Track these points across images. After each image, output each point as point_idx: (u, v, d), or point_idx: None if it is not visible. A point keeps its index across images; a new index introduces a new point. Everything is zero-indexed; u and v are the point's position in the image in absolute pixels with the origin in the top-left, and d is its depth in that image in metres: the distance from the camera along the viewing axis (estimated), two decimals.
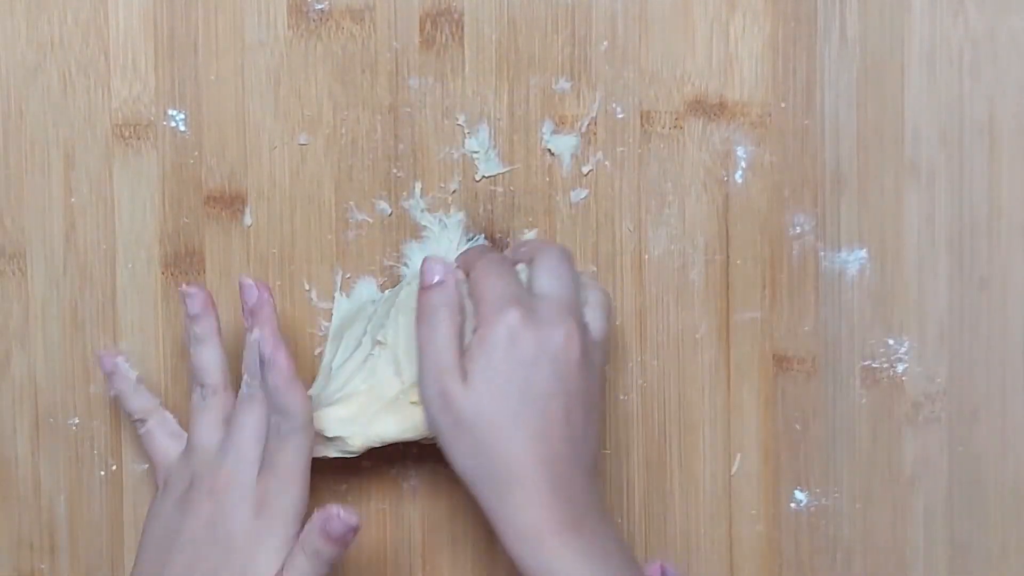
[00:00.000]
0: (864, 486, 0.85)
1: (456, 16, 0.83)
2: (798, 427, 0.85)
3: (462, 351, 0.73)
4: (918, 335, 0.84)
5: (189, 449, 0.77)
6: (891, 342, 0.84)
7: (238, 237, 0.83)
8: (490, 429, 0.72)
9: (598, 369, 0.76)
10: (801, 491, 0.85)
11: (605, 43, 0.84)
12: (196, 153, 0.83)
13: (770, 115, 0.84)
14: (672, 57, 0.84)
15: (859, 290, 0.84)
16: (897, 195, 0.84)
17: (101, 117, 0.83)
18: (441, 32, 0.83)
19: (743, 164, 0.84)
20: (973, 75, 0.84)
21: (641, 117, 0.84)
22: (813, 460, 0.85)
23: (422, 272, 0.75)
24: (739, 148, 0.84)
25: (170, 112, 0.83)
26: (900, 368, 0.84)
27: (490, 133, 0.83)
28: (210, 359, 0.78)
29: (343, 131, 0.83)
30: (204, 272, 0.83)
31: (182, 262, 0.83)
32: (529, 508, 0.72)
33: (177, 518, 0.75)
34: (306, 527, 0.72)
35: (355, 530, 0.71)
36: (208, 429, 0.77)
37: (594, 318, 0.77)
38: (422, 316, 0.75)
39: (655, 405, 0.84)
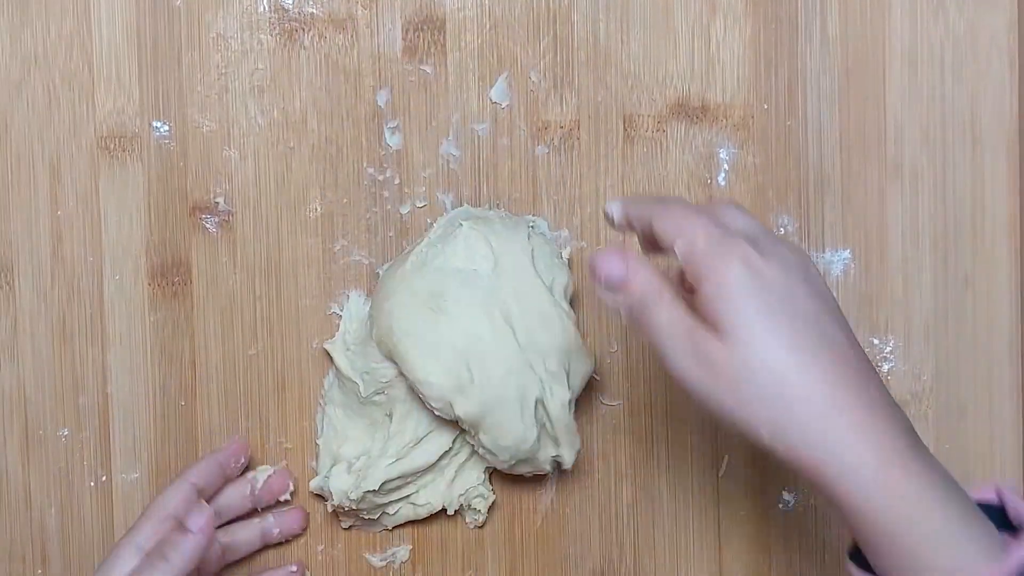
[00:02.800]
0: None
1: (438, 23, 0.84)
2: None
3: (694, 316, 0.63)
4: (903, 334, 0.85)
5: None
6: (876, 341, 0.85)
7: (224, 247, 0.84)
8: (771, 369, 0.61)
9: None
10: (788, 492, 0.85)
11: (587, 48, 0.84)
12: (181, 164, 0.83)
13: (752, 117, 0.84)
14: (654, 60, 0.84)
15: (844, 290, 0.84)
16: (880, 195, 0.84)
17: (86, 129, 0.83)
18: (424, 39, 0.84)
19: (726, 166, 0.84)
20: (955, 74, 0.84)
21: (624, 120, 0.84)
22: None
23: (603, 270, 0.66)
24: (722, 150, 0.84)
25: (155, 123, 0.83)
26: (886, 367, 0.85)
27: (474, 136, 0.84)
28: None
29: (328, 139, 0.84)
30: (191, 282, 0.83)
31: (169, 272, 0.84)
32: (855, 434, 0.61)
33: None
34: None
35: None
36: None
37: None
38: (638, 311, 0.65)
39: (642, 408, 0.85)
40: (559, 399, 0.79)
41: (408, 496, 0.82)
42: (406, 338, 0.78)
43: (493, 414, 0.78)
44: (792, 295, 0.62)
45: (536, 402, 0.78)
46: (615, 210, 0.67)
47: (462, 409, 0.78)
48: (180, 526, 0.76)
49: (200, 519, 0.76)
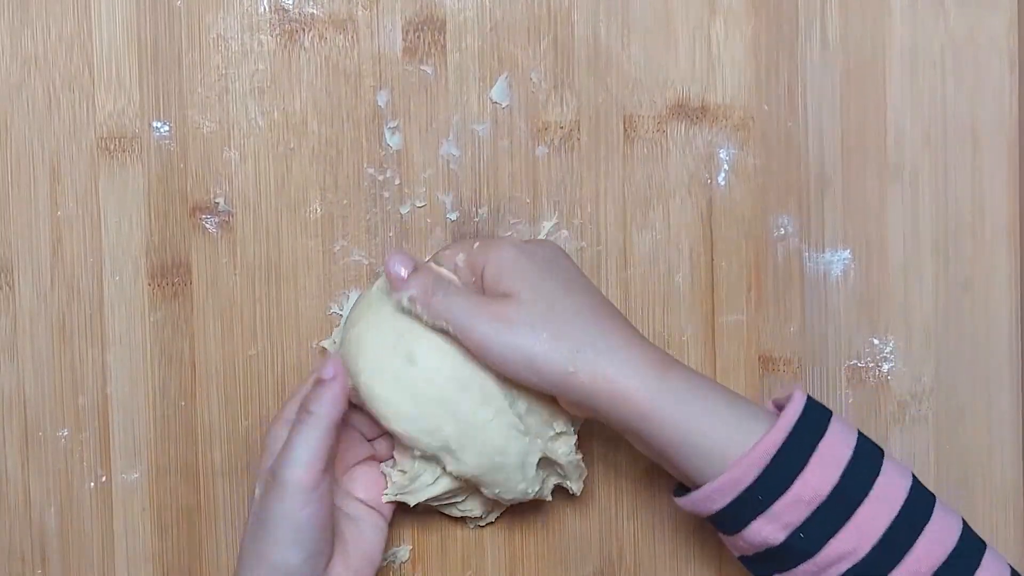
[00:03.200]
0: None
1: (438, 24, 0.84)
2: None
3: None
4: (903, 335, 0.85)
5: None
6: (876, 342, 0.85)
7: (224, 247, 0.84)
8: (552, 315, 0.74)
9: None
10: None
11: (587, 49, 0.84)
12: (181, 165, 0.83)
13: (753, 118, 0.84)
14: (654, 61, 0.84)
15: (844, 291, 0.85)
16: (881, 196, 0.85)
17: (86, 130, 0.83)
18: (424, 40, 0.84)
19: (726, 167, 0.84)
20: (955, 76, 0.84)
21: (624, 122, 0.84)
22: None
23: (392, 269, 0.76)
24: (722, 151, 0.84)
25: (155, 124, 0.83)
26: (886, 368, 0.85)
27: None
28: None
29: (328, 140, 0.84)
30: (191, 283, 0.83)
31: (169, 273, 0.84)
32: (639, 350, 0.74)
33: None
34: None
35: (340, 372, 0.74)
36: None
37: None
38: (423, 297, 0.75)
39: None
40: (565, 449, 0.79)
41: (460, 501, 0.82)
42: (373, 377, 0.76)
43: (491, 475, 0.77)
44: (556, 262, 0.77)
45: (539, 460, 0.78)
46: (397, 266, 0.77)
47: (455, 469, 0.77)
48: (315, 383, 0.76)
49: (330, 368, 0.75)
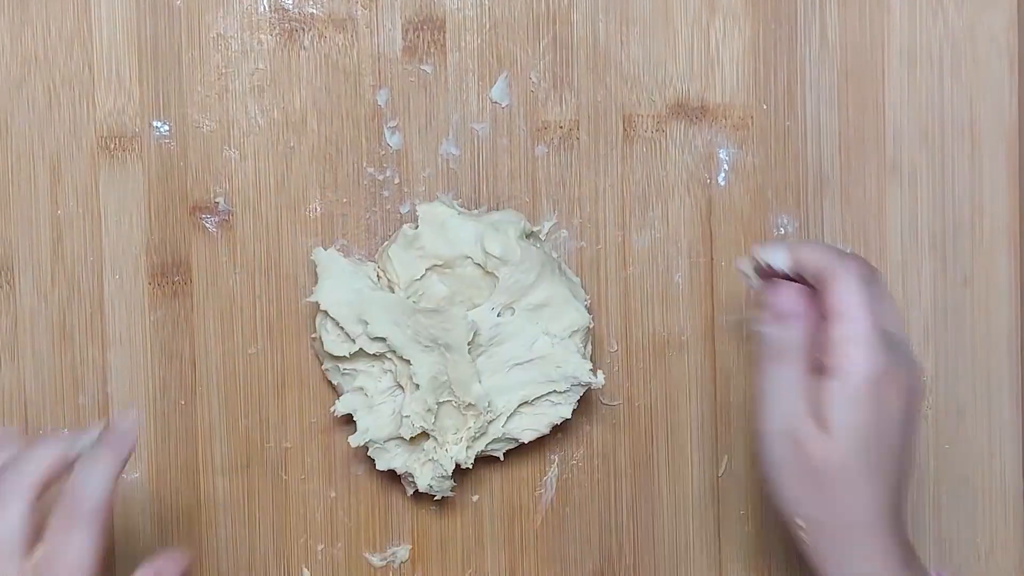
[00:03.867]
0: None
1: (438, 23, 0.84)
2: None
3: (813, 390, 0.69)
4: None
5: None
6: None
7: (224, 246, 0.84)
8: (846, 479, 0.68)
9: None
10: None
11: (586, 48, 0.84)
12: (181, 164, 0.83)
13: (752, 117, 0.84)
14: (653, 61, 0.84)
15: None
16: (880, 195, 0.85)
17: (86, 129, 0.83)
18: (423, 39, 0.84)
19: (726, 166, 0.84)
20: (953, 74, 0.84)
21: (623, 121, 0.84)
22: None
23: (773, 302, 0.71)
24: (721, 150, 0.84)
25: (155, 123, 0.83)
26: None
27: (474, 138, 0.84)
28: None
29: (328, 139, 0.84)
30: (191, 282, 0.84)
31: (169, 272, 0.84)
32: (875, 556, 0.69)
33: None
34: None
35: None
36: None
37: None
38: (771, 353, 0.70)
39: (642, 408, 0.85)
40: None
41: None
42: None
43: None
44: (892, 421, 0.69)
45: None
46: (779, 258, 0.71)
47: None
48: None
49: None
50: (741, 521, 0.85)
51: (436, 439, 0.81)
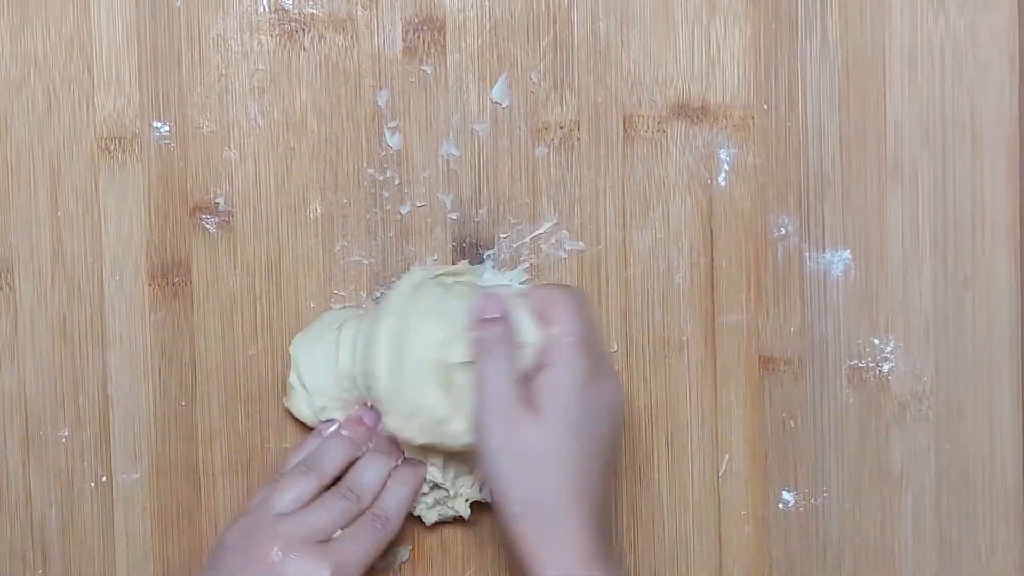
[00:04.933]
0: (852, 486, 0.85)
1: (438, 24, 0.84)
2: (785, 428, 0.85)
3: (523, 383, 0.77)
4: (904, 334, 0.85)
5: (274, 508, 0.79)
6: (877, 342, 0.85)
7: (224, 247, 0.84)
8: (552, 461, 0.75)
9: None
10: (789, 492, 0.85)
11: (587, 48, 0.84)
12: (181, 164, 0.83)
13: (753, 117, 0.84)
14: (654, 61, 0.84)
15: (844, 290, 0.84)
16: (881, 195, 0.84)
17: (86, 131, 0.83)
18: (423, 40, 0.84)
19: (726, 167, 0.84)
20: (954, 74, 0.84)
21: (624, 121, 0.84)
22: (801, 460, 0.85)
23: (480, 306, 0.78)
24: (722, 151, 0.84)
25: (155, 124, 0.83)
26: (886, 367, 0.85)
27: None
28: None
29: (328, 139, 0.84)
30: (191, 283, 0.84)
31: (169, 273, 0.84)
32: (573, 538, 0.74)
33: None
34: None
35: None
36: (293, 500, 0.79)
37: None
38: (483, 349, 0.77)
39: (642, 408, 0.85)
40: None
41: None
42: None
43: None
44: (595, 414, 0.76)
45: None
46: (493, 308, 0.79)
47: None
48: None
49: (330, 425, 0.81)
50: (741, 521, 0.85)
51: (449, 491, 0.82)
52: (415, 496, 0.81)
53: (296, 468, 0.80)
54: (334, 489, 0.79)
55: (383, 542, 0.78)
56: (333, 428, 0.82)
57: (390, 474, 0.80)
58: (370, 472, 0.80)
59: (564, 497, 0.75)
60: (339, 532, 0.77)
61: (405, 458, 0.81)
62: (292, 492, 0.78)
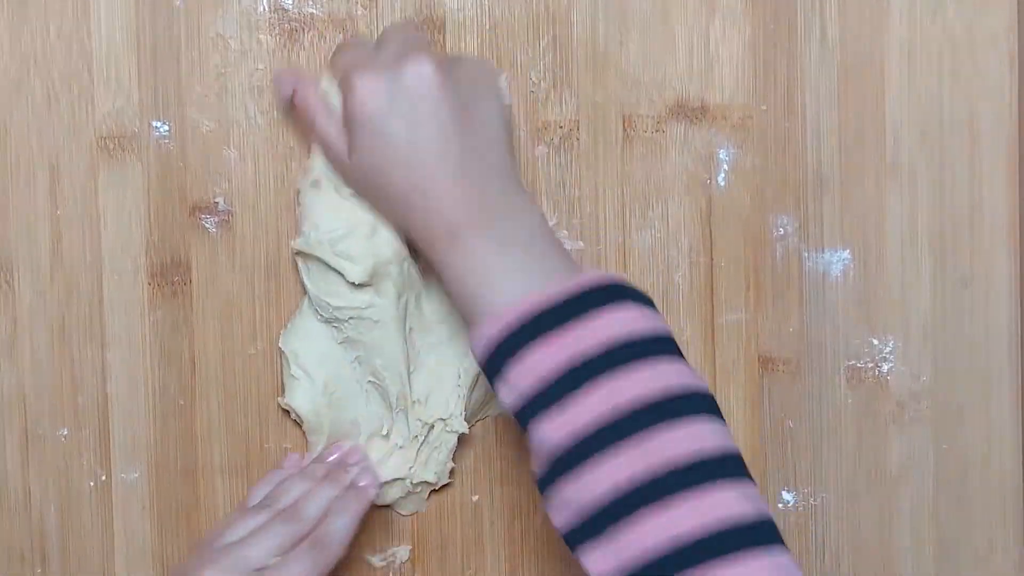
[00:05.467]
0: (850, 486, 0.85)
1: (438, 23, 0.84)
2: (784, 428, 0.85)
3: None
4: (902, 334, 0.85)
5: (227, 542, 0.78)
6: (875, 342, 0.85)
7: (223, 246, 0.84)
8: (384, 180, 0.75)
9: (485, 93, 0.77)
10: (788, 491, 0.85)
11: (586, 49, 0.84)
12: (181, 164, 0.83)
13: (751, 118, 0.84)
14: (653, 61, 0.84)
15: (843, 290, 0.85)
16: (879, 195, 0.85)
17: (85, 129, 0.83)
18: None
19: (725, 167, 0.84)
20: (953, 74, 0.84)
21: (623, 121, 0.84)
22: (800, 461, 0.85)
23: (276, 90, 0.81)
24: (721, 151, 0.84)
25: (154, 123, 0.83)
26: (885, 367, 0.85)
27: None
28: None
29: None
30: (190, 282, 0.84)
31: (168, 272, 0.84)
32: (437, 211, 0.73)
33: None
34: None
35: None
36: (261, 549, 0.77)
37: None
38: (305, 119, 0.79)
39: None
40: None
41: None
42: None
43: None
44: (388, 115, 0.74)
45: None
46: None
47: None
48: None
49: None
50: None
51: (409, 480, 0.83)
52: (358, 522, 0.79)
53: (254, 507, 0.79)
54: (279, 514, 0.78)
55: (322, 566, 0.76)
56: (292, 463, 0.82)
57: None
58: (314, 501, 0.79)
59: (413, 191, 0.74)
60: (275, 560, 0.76)
61: (351, 485, 0.81)
62: (241, 527, 0.77)
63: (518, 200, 0.75)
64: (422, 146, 0.74)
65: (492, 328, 0.70)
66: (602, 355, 0.67)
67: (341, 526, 0.78)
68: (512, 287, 0.70)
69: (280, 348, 0.82)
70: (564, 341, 0.68)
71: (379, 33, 0.81)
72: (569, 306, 0.69)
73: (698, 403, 0.67)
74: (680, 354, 0.69)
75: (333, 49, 0.81)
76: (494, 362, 0.69)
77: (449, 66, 0.75)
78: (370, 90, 0.74)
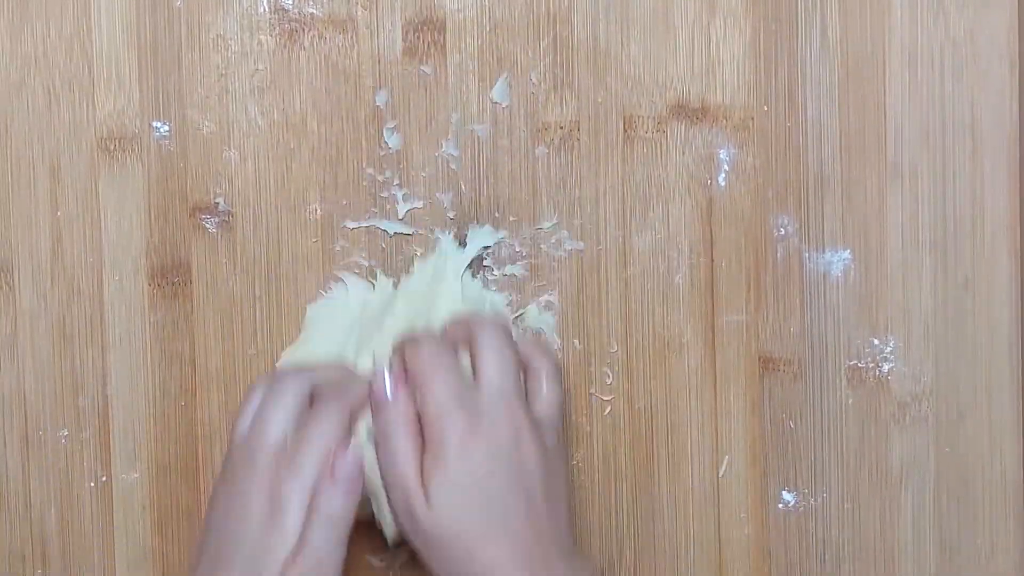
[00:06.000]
0: (852, 486, 0.85)
1: (438, 24, 0.84)
2: (785, 428, 0.85)
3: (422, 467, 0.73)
4: (903, 335, 0.85)
5: (256, 432, 0.75)
6: (876, 342, 0.85)
7: (224, 247, 0.84)
8: (457, 543, 0.72)
9: (553, 444, 0.76)
10: (789, 492, 0.85)
11: (587, 49, 0.84)
12: (181, 165, 0.83)
13: (752, 118, 0.84)
14: (654, 61, 0.84)
15: (844, 291, 0.85)
16: (880, 196, 0.84)
17: (86, 130, 0.83)
18: (424, 40, 0.84)
19: (726, 167, 0.84)
20: (954, 75, 0.84)
21: (624, 122, 0.84)
22: (801, 461, 0.85)
23: (373, 386, 0.75)
24: (722, 151, 0.84)
25: (155, 124, 0.83)
26: (886, 368, 0.85)
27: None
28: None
29: (327, 140, 0.84)
30: (191, 283, 0.84)
31: (169, 273, 0.84)
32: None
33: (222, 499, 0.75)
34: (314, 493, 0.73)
35: (359, 466, 0.73)
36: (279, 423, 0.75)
37: (547, 390, 0.77)
38: (380, 436, 0.74)
39: (642, 409, 0.85)
40: None
41: None
42: None
43: None
44: (490, 475, 0.72)
45: None
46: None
47: None
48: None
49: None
50: (741, 522, 0.85)
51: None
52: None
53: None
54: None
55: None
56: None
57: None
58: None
59: (486, 570, 0.72)
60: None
61: None
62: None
63: (578, 561, 0.75)
64: (518, 513, 0.73)
65: None
66: None
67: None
68: None
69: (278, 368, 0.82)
70: None
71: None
72: None
73: None
74: None
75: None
76: None
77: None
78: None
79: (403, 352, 0.76)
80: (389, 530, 0.78)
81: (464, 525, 0.72)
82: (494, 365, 0.74)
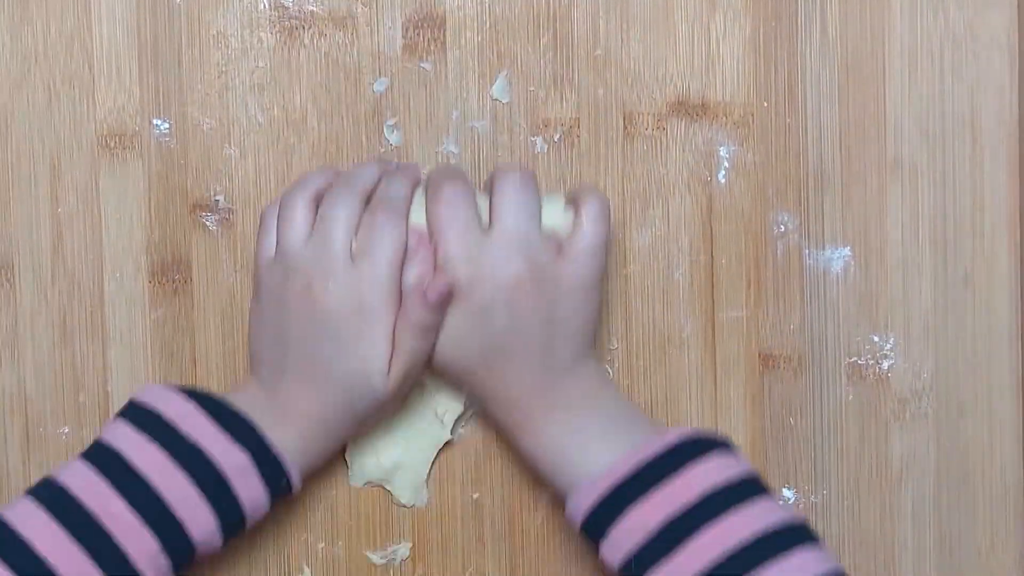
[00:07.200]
0: (852, 483, 0.85)
1: (438, 21, 0.84)
2: (785, 425, 0.85)
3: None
4: (903, 331, 0.85)
5: (281, 249, 0.77)
6: (876, 339, 0.85)
7: (224, 244, 0.84)
8: (463, 372, 0.78)
9: (583, 281, 0.77)
10: (789, 489, 0.85)
11: (587, 46, 0.84)
12: (182, 162, 0.83)
13: (752, 115, 0.84)
14: (654, 58, 0.84)
15: (844, 287, 0.85)
16: (880, 192, 0.85)
17: (86, 128, 0.83)
18: (424, 37, 0.84)
19: (726, 164, 0.84)
20: (954, 72, 0.84)
21: (624, 119, 0.84)
22: (801, 458, 0.85)
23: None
24: (722, 148, 0.84)
25: (155, 121, 0.83)
26: (886, 364, 0.85)
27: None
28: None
29: (328, 137, 0.84)
30: (191, 280, 0.84)
31: (169, 270, 0.84)
32: (516, 399, 0.78)
33: (279, 320, 0.77)
34: (404, 305, 0.76)
35: (450, 289, 0.75)
36: (298, 226, 0.77)
37: (587, 226, 0.77)
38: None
39: (642, 405, 0.85)
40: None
41: None
42: None
43: None
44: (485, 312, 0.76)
45: None
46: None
47: None
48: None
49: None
50: None
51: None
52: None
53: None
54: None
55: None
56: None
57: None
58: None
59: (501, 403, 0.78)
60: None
61: None
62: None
63: (592, 365, 0.80)
64: (522, 347, 0.77)
65: (590, 497, 0.75)
66: (701, 504, 0.72)
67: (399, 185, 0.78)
68: (602, 455, 0.75)
69: None
70: (663, 499, 0.72)
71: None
72: (662, 466, 0.73)
73: (800, 534, 0.73)
74: (767, 490, 0.75)
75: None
76: (595, 527, 0.75)
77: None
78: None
79: (430, 178, 0.79)
80: (355, 469, 0.83)
81: (465, 359, 0.77)
82: (510, 209, 0.76)
